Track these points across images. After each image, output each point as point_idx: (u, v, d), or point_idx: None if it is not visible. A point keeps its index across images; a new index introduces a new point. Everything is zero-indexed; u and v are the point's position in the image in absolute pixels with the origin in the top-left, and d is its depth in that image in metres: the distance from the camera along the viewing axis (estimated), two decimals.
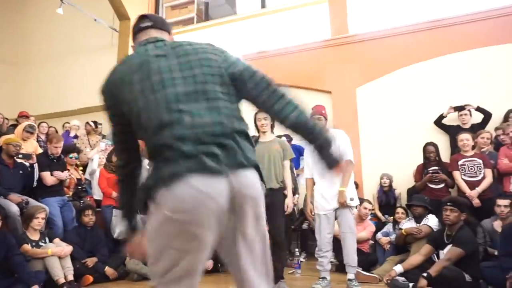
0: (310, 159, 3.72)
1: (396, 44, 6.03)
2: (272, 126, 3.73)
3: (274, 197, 3.47)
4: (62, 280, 3.51)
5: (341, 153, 3.69)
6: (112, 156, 4.88)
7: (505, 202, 3.73)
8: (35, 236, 3.75)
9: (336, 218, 3.60)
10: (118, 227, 4.54)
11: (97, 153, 5.74)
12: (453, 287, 3.08)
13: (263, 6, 7.41)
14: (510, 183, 4.15)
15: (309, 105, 6.09)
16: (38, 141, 5.56)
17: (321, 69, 6.42)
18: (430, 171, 4.64)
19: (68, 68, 8.81)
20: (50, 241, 3.84)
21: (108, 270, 4.07)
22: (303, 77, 6.51)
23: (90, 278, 3.91)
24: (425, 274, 3.12)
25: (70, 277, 3.60)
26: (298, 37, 6.78)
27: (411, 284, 3.28)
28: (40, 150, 5.06)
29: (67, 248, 3.76)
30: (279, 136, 4.07)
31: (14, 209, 3.85)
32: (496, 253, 3.58)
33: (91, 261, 4.02)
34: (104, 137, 6.58)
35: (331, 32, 6.57)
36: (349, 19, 6.49)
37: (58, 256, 3.63)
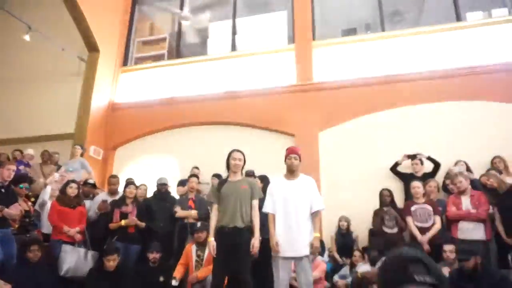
0: (274, 195, 3.75)
1: (356, 93, 6.44)
2: (243, 168, 3.80)
3: (240, 236, 3.48)
4: None
5: (314, 202, 3.80)
6: (66, 188, 4.67)
7: (451, 247, 3.93)
8: None
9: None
10: (66, 264, 4.27)
11: (59, 176, 5.48)
12: None
13: (233, 49, 7.72)
14: (457, 230, 4.39)
15: (273, 146, 6.24)
16: None
17: (285, 113, 6.68)
18: (384, 209, 4.82)
19: (30, 95, 8.55)
20: None
21: None
22: (268, 119, 6.74)
23: None
24: None
25: None
26: (265, 81, 7.07)
27: None
28: None
29: (5, 287, 3.46)
30: (250, 175, 4.11)
31: None
32: None
33: None
34: (59, 167, 6.30)
35: (296, 78, 6.91)
36: (314, 68, 6.88)
37: None
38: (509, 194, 4.01)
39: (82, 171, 6.09)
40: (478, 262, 3.35)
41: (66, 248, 4.36)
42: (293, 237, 3.55)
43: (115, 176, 5.40)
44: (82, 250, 4.48)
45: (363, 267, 4.34)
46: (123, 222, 4.61)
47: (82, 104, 7.38)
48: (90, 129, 7.22)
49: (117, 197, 5.01)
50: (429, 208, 4.58)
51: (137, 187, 5.08)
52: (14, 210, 4.26)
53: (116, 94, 8.00)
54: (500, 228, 4.17)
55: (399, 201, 5.36)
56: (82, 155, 6.42)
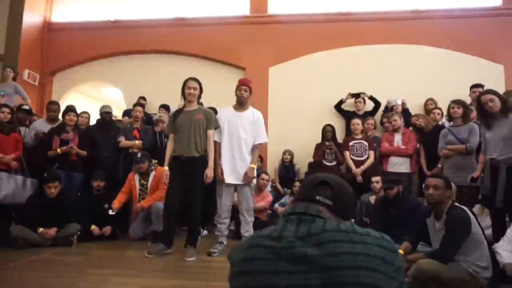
0: (222, 123, 3.80)
1: (309, 30, 6.40)
2: (199, 97, 3.73)
3: (193, 166, 3.54)
4: None
5: (258, 135, 3.88)
6: None
7: (377, 178, 4.40)
8: None
9: (235, 191, 3.83)
10: (3, 191, 4.13)
11: None
12: None
13: None
14: (388, 164, 4.82)
15: (223, 79, 6.16)
16: None
17: (237, 45, 6.51)
18: (326, 143, 5.12)
19: None
20: None
21: None
22: (219, 50, 6.55)
23: None
24: None
25: None
26: (218, 9, 6.73)
27: None
28: None
29: None
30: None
31: None
32: (368, 221, 4.18)
33: None
34: None
35: (250, 9, 6.65)
36: None
37: None
38: (433, 133, 4.40)
39: (15, 96, 5.66)
40: (400, 190, 3.75)
41: (1, 175, 4.18)
42: (235, 165, 3.71)
43: (55, 103, 5.06)
44: (19, 178, 4.32)
45: None
46: (59, 150, 4.43)
47: (12, 21, 6.62)
48: (22, 51, 6.57)
49: (56, 124, 4.75)
50: (365, 143, 4.95)
51: (78, 115, 4.85)
52: None
53: (53, 12, 7.22)
54: (423, 163, 4.64)
55: (340, 137, 5.69)
56: (14, 79, 5.91)
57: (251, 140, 3.78)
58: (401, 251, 2.80)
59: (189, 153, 3.53)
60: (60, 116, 4.89)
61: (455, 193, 3.25)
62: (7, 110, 4.41)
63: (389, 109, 5.69)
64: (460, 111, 3.97)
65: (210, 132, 3.66)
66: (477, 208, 3.38)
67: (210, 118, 3.68)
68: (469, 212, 2.64)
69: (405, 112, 5.44)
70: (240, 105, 3.82)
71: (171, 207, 3.54)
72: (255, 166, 3.78)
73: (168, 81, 6.16)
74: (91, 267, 3.11)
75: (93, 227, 4.22)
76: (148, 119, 5.72)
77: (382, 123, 5.63)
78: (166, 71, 6.58)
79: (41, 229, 3.87)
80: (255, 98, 5.70)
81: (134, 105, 5.14)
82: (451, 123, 4.24)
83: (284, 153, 5.71)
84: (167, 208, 3.59)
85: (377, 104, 5.76)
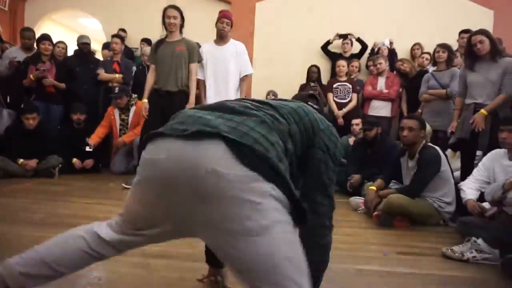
0: (208, 60, 3.67)
1: None
2: (181, 26, 3.52)
3: (172, 100, 3.42)
4: None
5: (243, 67, 3.78)
6: None
7: (357, 121, 4.49)
8: None
9: None
10: None
11: None
12: None
13: None
14: (369, 107, 4.88)
15: (208, 13, 5.84)
16: None
17: None
18: (311, 84, 5.10)
19: None
20: None
21: None
22: None
23: None
24: None
25: None
26: None
27: None
28: None
29: None
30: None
31: None
32: (345, 162, 4.33)
33: None
34: None
35: None
36: None
37: None
38: (417, 78, 4.42)
39: None
40: (379, 132, 3.86)
41: None
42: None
43: (29, 29, 4.74)
44: None
45: None
46: (32, 76, 4.21)
47: None
48: None
49: (31, 53, 4.52)
50: (349, 86, 4.95)
51: (54, 44, 4.60)
52: None
53: None
54: (404, 107, 4.72)
55: (326, 79, 5.65)
56: None
57: (236, 73, 3.69)
58: (374, 188, 2.96)
59: (168, 86, 3.42)
60: (35, 45, 4.63)
61: (429, 135, 3.37)
62: None
63: (375, 52, 5.62)
64: (444, 55, 3.96)
65: (193, 65, 3.53)
66: (449, 152, 3.53)
67: (193, 51, 3.53)
68: (440, 151, 2.77)
69: (392, 55, 5.38)
70: (221, 38, 3.69)
71: None
72: None
73: (151, 13, 5.82)
74: (73, 196, 3.18)
75: (74, 160, 4.23)
76: (128, 53, 5.50)
77: (367, 66, 5.59)
78: (148, 2, 6.20)
79: (21, 160, 3.86)
80: (240, 35, 5.53)
81: (112, 37, 4.90)
82: (435, 67, 4.25)
83: (268, 94, 5.67)
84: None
85: (364, 46, 5.67)
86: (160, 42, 3.53)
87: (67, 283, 1.53)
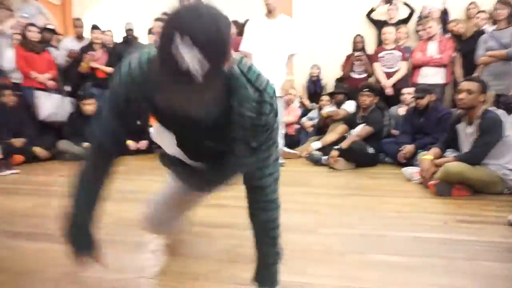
0: (253, 32, 3.65)
1: None
2: None
3: None
4: None
5: (292, 44, 3.72)
6: (26, 32, 4.39)
7: (409, 90, 4.25)
8: None
9: None
10: (45, 109, 4.37)
11: (16, 22, 5.11)
12: (358, 157, 3.62)
13: None
14: (419, 75, 4.63)
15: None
16: None
17: None
18: (355, 54, 4.90)
19: None
20: None
21: (38, 150, 4.03)
22: None
23: (21, 158, 3.86)
24: (337, 147, 3.61)
25: None
26: None
27: (324, 157, 3.77)
28: None
29: None
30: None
31: None
32: (397, 133, 4.19)
33: (18, 141, 3.92)
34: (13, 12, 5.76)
35: None
36: None
37: None
38: (472, 39, 4.11)
39: (39, 17, 5.63)
40: (431, 100, 3.67)
41: (39, 94, 4.38)
42: (267, 77, 3.65)
43: (79, 19, 5.04)
44: (57, 96, 4.52)
45: (329, 109, 4.69)
46: (84, 64, 4.48)
47: None
48: None
49: (83, 43, 4.79)
50: (397, 53, 4.71)
51: (102, 32, 4.83)
52: None
53: None
54: (459, 72, 4.43)
55: (371, 48, 5.42)
56: None
57: (283, 49, 3.63)
58: (430, 157, 2.84)
59: None
60: (85, 34, 4.89)
61: (491, 99, 3.15)
62: (34, 29, 4.43)
63: (423, 16, 5.27)
64: (505, 12, 3.64)
65: None
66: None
67: None
68: (504, 116, 2.59)
69: (444, 16, 5.02)
70: (270, 12, 3.65)
71: None
72: (292, 78, 3.69)
73: None
74: (133, 174, 3.38)
75: (129, 141, 4.46)
76: None
77: (416, 31, 5.27)
78: None
79: (85, 144, 4.15)
80: (279, 6, 5.44)
81: (155, 21, 5.00)
82: (495, 27, 3.92)
83: (311, 68, 5.57)
84: None
85: (411, 10, 5.34)
86: None
87: (132, 248, 1.66)
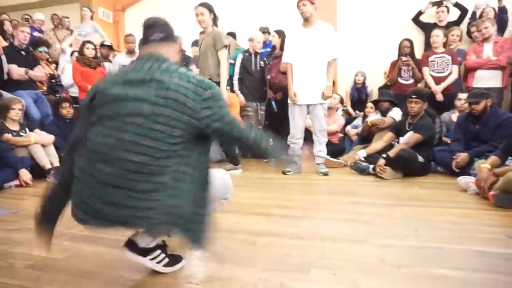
0: (291, 43, 3.70)
1: None
2: (214, 20, 3.70)
3: None
4: (48, 166, 3.67)
5: (331, 50, 3.73)
6: (83, 49, 4.72)
7: (464, 95, 4.00)
8: (14, 127, 3.75)
9: (308, 112, 3.80)
10: None
11: (74, 40, 5.54)
12: (407, 166, 3.45)
13: None
14: (473, 79, 4.37)
15: None
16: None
17: None
18: (403, 58, 4.73)
19: None
20: (31, 131, 3.89)
21: None
22: None
23: None
24: (384, 155, 3.47)
25: (56, 163, 3.75)
26: None
27: (371, 166, 3.65)
28: (5, 43, 4.80)
29: (49, 136, 3.86)
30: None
31: None
32: (449, 141, 3.96)
33: None
34: (71, 32, 6.23)
35: None
36: None
37: (41, 145, 3.74)
38: None
39: (95, 35, 6.03)
40: (488, 104, 3.43)
41: None
42: (308, 85, 3.65)
43: (130, 35, 5.34)
44: None
45: (374, 117, 4.55)
46: None
47: None
48: None
49: (135, 57, 5.05)
50: (448, 57, 4.48)
51: None
52: (39, 72, 4.45)
53: None
54: None
55: (419, 53, 5.22)
56: (91, 18, 6.26)
57: (323, 56, 3.62)
58: (488, 166, 2.66)
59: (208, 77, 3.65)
60: (137, 49, 5.15)
61: None
62: (91, 46, 4.75)
63: (477, 16, 4.99)
64: None
65: (219, 53, 3.65)
66: None
67: (216, 39, 3.62)
68: None
69: (501, 14, 4.69)
70: (306, 21, 3.65)
71: None
72: (331, 84, 3.66)
73: (234, 8, 6.03)
74: None
75: None
76: None
77: (469, 33, 4.99)
78: None
79: None
80: (322, 12, 5.40)
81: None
82: None
83: (356, 75, 5.45)
84: None
85: (463, 11, 5.07)
86: (199, 39, 3.73)
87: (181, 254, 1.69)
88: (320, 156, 3.79)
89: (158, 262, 1.43)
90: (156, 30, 1.39)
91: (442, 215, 2.26)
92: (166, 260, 1.45)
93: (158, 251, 1.43)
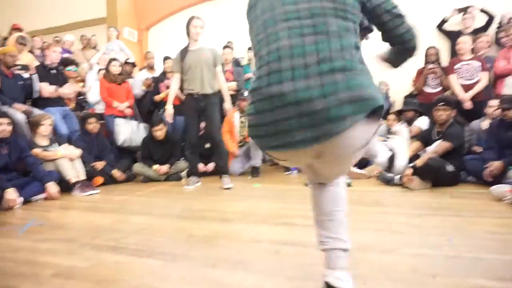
0: None
1: None
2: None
3: (210, 101, 3.70)
4: (73, 180, 3.74)
5: None
6: (109, 66, 4.87)
7: (495, 102, 3.83)
8: (43, 142, 3.88)
9: None
10: (122, 135, 4.73)
11: (101, 57, 5.75)
12: (435, 176, 3.31)
13: None
14: (503, 86, 4.20)
15: None
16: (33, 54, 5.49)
17: None
18: (429, 66, 4.61)
19: None
20: (59, 146, 4.01)
21: (116, 172, 4.33)
22: None
23: (100, 180, 4.18)
24: (411, 165, 3.34)
25: (83, 177, 3.83)
26: None
27: (397, 176, 3.52)
28: (37, 63, 5.03)
29: (76, 151, 3.96)
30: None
31: (20, 116, 3.97)
32: (480, 150, 3.78)
33: (99, 164, 4.25)
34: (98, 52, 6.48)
35: None
36: None
37: (68, 159, 3.84)
38: None
39: (120, 54, 6.24)
40: None
41: (119, 121, 4.77)
42: None
43: (149, 52, 5.62)
44: (134, 123, 4.89)
45: (398, 127, 4.41)
46: (163, 94, 4.88)
47: None
48: (120, 11, 7.12)
49: (155, 73, 5.19)
50: (476, 64, 4.34)
51: None
52: (68, 90, 4.62)
53: None
54: None
55: (444, 61, 5.08)
56: (117, 37, 6.50)
57: None
58: None
59: (204, 90, 3.66)
60: (156, 66, 5.32)
61: None
62: (117, 63, 4.91)
63: (504, 22, 4.82)
64: None
65: (219, 68, 3.75)
66: None
67: (216, 55, 3.74)
68: None
69: None
70: None
71: (193, 143, 3.84)
72: None
73: (232, 16, 6.09)
74: (203, 195, 3.46)
75: (200, 164, 4.61)
76: (236, 63, 5.84)
77: (497, 40, 4.82)
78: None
79: (155, 166, 4.38)
80: None
81: (223, 48, 5.27)
82: None
83: (380, 85, 5.36)
84: (190, 146, 3.87)
85: (490, 17, 4.92)
86: (185, 51, 3.72)
87: (203, 262, 1.65)
88: None
89: None
90: None
91: (477, 224, 2.13)
92: None
93: None
